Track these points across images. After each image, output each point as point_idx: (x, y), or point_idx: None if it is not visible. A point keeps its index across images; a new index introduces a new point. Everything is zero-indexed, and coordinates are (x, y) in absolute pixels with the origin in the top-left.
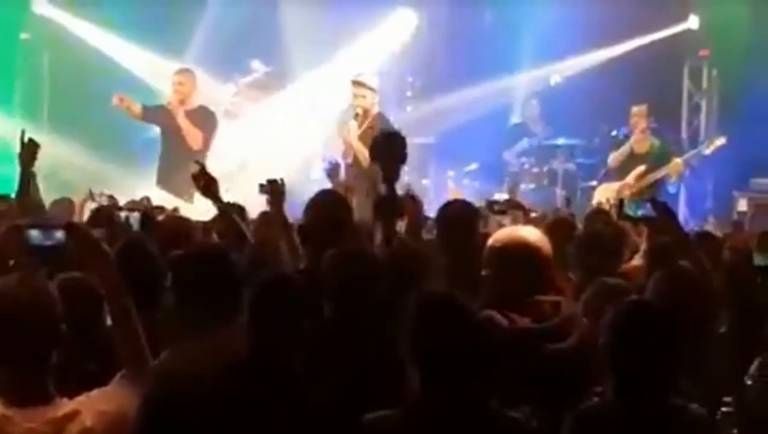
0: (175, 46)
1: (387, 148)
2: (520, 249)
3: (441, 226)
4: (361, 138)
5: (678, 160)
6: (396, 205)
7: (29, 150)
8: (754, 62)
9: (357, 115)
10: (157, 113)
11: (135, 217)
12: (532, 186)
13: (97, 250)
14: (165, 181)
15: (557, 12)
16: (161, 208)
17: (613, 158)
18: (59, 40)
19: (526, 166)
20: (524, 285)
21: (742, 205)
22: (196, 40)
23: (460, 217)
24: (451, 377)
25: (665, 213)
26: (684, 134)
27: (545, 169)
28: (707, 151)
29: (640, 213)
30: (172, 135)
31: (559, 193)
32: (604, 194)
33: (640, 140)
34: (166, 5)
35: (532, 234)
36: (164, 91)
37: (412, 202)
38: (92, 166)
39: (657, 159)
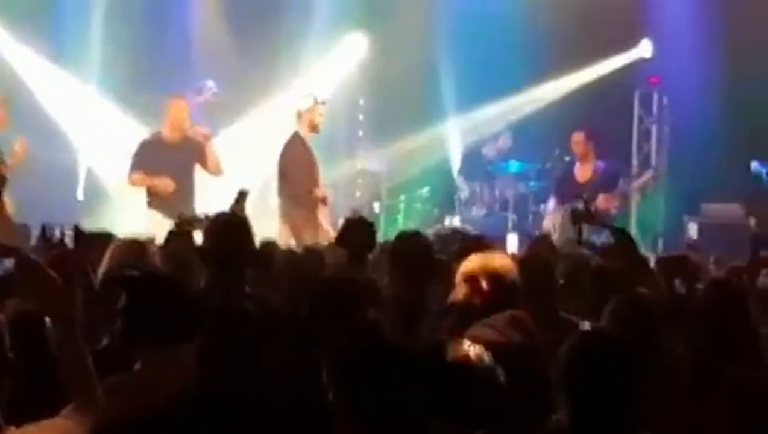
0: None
1: (355, 234)
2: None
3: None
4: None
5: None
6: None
7: None
8: (704, 88)
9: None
10: (150, 151)
11: (69, 234)
12: (483, 211)
13: (45, 277)
14: (164, 205)
15: (508, 41)
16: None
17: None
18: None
19: (477, 191)
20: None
21: (693, 229)
22: (137, 61)
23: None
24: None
25: (624, 239)
26: (635, 160)
27: (496, 193)
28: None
29: (598, 240)
30: (180, 160)
31: (511, 217)
32: (553, 222)
33: (583, 168)
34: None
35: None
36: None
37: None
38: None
39: (603, 185)
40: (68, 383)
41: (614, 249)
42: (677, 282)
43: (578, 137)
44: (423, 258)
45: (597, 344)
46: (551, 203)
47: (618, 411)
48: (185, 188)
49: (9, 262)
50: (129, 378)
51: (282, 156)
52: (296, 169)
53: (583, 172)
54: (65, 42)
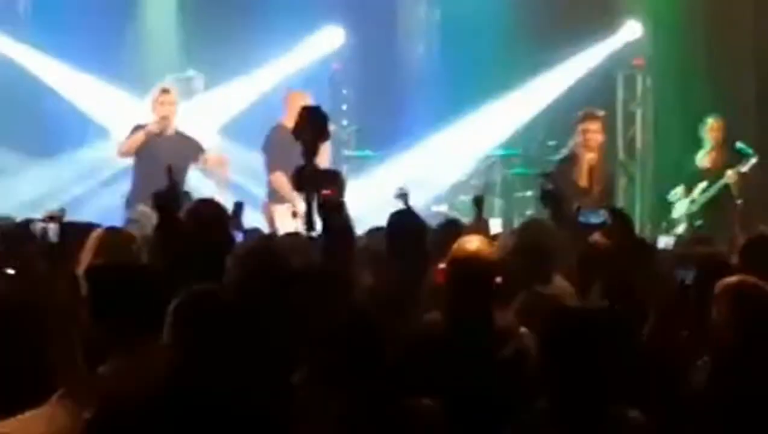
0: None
1: (310, 122)
2: (464, 262)
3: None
4: None
5: (731, 172)
6: (316, 177)
7: None
8: (687, 69)
9: None
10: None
11: (53, 228)
12: (469, 197)
13: (30, 267)
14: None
15: (490, 39)
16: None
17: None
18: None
19: (464, 178)
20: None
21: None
22: (125, 55)
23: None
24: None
25: (622, 219)
26: (620, 143)
27: (483, 180)
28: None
29: (593, 220)
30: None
31: (497, 202)
32: None
33: (712, 155)
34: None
35: (475, 243)
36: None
37: (335, 175)
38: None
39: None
40: (57, 370)
41: (610, 229)
42: (681, 271)
43: (718, 123)
44: (420, 237)
45: (573, 322)
46: None
47: (597, 389)
48: None
49: None
50: (114, 369)
51: None
52: None
53: (713, 159)
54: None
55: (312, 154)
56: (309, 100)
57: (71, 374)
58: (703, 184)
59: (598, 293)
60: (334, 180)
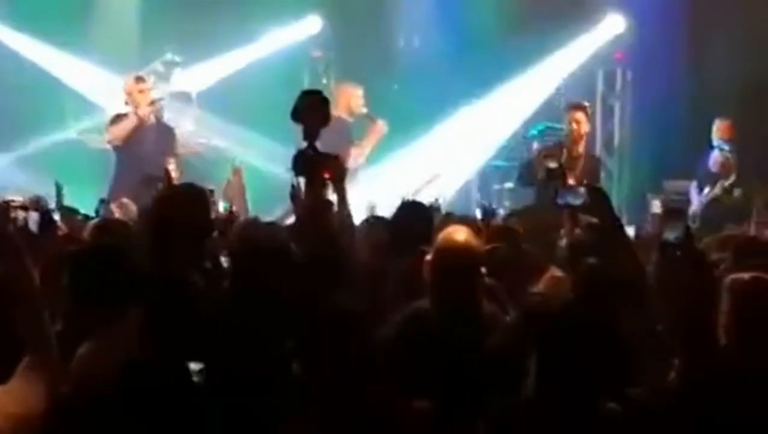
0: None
1: (309, 107)
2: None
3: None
4: None
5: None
6: (316, 161)
7: None
8: (668, 64)
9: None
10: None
11: (33, 217)
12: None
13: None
14: None
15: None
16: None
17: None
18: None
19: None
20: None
21: (656, 207)
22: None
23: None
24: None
25: (599, 199)
26: (598, 138)
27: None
28: None
29: (571, 200)
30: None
31: (475, 195)
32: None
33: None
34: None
35: (461, 233)
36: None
37: (335, 159)
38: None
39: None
40: (25, 340)
41: (589, 207)
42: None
43: (725, 124)
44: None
45: (548, 316)
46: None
47: (572, 382)
48: None
49: None
50: (86, 350)
51: None
52: None
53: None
54: None
55: (312, 137)
56: (359, 93)
57: (39, 349)
58: (707, 188)
59: (570, 283)
60: (333, 164)
